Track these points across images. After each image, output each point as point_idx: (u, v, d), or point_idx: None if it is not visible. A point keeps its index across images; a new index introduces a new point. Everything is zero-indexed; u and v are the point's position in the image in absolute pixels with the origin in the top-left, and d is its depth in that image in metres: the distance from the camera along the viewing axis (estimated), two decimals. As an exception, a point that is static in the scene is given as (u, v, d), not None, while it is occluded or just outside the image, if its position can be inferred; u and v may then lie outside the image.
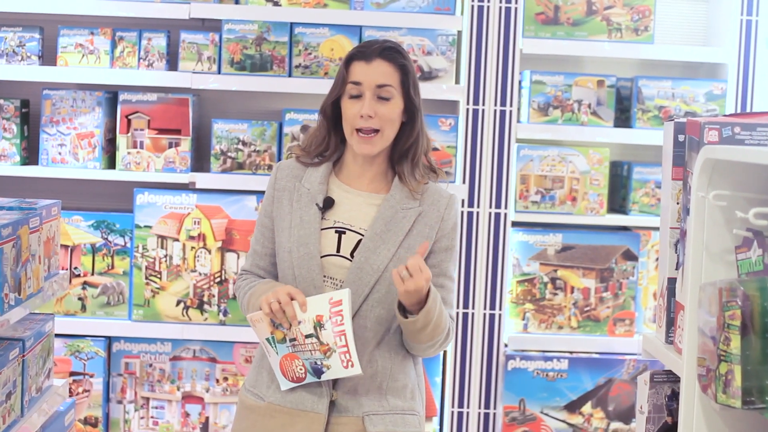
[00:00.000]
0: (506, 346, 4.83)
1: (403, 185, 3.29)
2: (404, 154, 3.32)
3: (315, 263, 3.21)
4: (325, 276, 3.22)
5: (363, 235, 3.25)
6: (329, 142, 3.36)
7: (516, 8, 4.70)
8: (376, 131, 3.23)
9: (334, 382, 3.17)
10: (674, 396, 2.76)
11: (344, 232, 3.26)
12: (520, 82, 4.81)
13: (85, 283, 4.75)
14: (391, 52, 3.27)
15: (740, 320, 2.21)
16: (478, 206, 4.75)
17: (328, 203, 3.28)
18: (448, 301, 3.30)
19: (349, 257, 3.24)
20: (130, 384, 4.78)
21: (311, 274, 3.20)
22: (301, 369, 3.13)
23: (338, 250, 3.25)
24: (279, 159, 4.76)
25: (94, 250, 4.76)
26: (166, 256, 4.72)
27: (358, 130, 3.23)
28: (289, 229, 3.28)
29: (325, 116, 3.35)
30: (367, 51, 3.27)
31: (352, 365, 3.06)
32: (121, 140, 4.75)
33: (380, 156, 3.31)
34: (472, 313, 4.77)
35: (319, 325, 3.06)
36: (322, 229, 3.26)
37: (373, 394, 3.22)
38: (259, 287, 3.26)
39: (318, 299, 3.09)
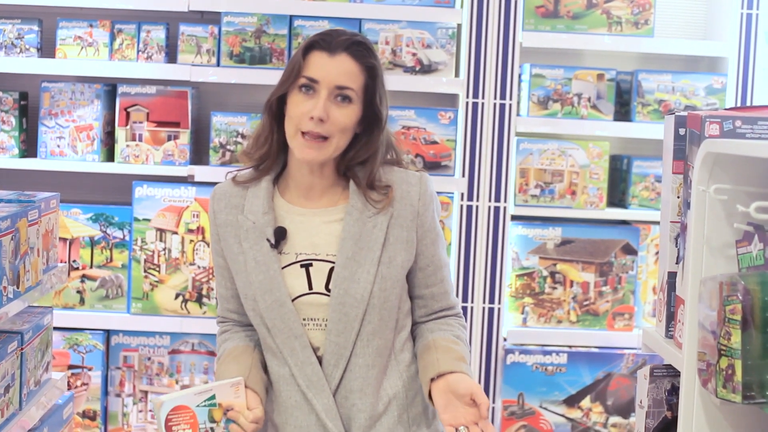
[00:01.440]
0: (505, 340, 4.83)
1: (361, 190, 2.82)
2: (356, 165, 2.86)
3: (287, 310, 2.76)
4: (304, 319, 2.78)
5: (333, 262, 2.78)
6: (272, 145, 2.85)
7: (516, 1, 4.69)
8: (325, 138, 2.74)
9: (346, 429, 2.80)
10: (674, 390, 2.75)
11: (311, 264, 2.79)
12: (519, 76, 4.80)
13: (83, 276, 4.75)
14: (360, 48, 2.79)
15: (741, 315, 2.20)
16: (478, 200, 4.74)
17: (279, 235, 2.80)
18: (450, 290, 2.94)
19: (326, 291, 2.78)
20: (129, 377, 4.78)
21: (287, 323, 2.77)
22: None
23: (310, 287, 2.79)
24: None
25: (92, 243, 4.75)
26: (164, 249, 4.71)
27: (304, 133, 2.73)
28: (245, 273, 2.81)
29: (270, 113, 2.84)
30: (331, 41, 2.78)
31: (237, 387, 2.72)
32: (120, 133, 4.74)
33: (329, 164, 2.84)
34: (471, 307, 4.76)
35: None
36: (283, 267, 2.80)
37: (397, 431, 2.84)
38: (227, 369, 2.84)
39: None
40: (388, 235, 2.80)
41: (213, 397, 2.68)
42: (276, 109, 2.83)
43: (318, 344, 2.79)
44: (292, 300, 2.78)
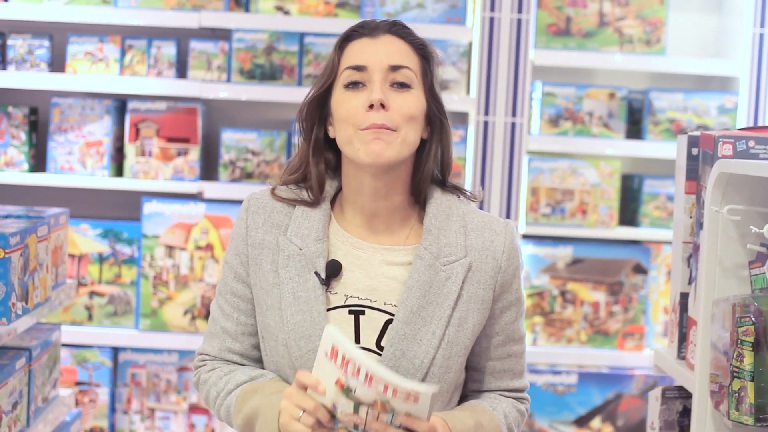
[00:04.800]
0: (515, 359, 4.80)
1: (441, 226, 2.31)
2: (427, 180, 2.36)
3: None
4: None
5: (391, 314, 2.28)
6: (306, 171, 2.38)
7: (527, 19, 4.68)
8: (392, 130, 2.24)
9: None
10: (686, 412, 2.73)
11: (362, 312, 2.28)
12: (531, 94, 4.79)
13: (92, 292, 4.74)
14: (405, 28, 2.37)
15: (753, 336, 2.19)
16: (488, 218, 4.72)
17: (332, 270, 2.29)
18: (520, 371, 2.44)
19: (377, 349, 2.27)
20: (136, 394, 4.76)
21: None
22: None
23: (358, 340, 2.27)
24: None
25: (101, 259, 4.75)
26: (173, 265, 4.70)
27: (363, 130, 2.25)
28: (279, 310, 2.27)
29: (306, 127, 2.40)
30: (369, 27, 2.36)
31: (416, 398, 2.05)
32: (130, 148, 4.74)
33: (397, 182, 2.32)
34: (481, 326, 4.74)
35: (347, 391, 2.08)
36: (329, 310, 2.28)
37: None
38: (245, 401, 2.27)
39: (319, 368, 2.11)
40: (462, 290, 2.30)
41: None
42: (314, 129, 2.39)
43: None
44: None
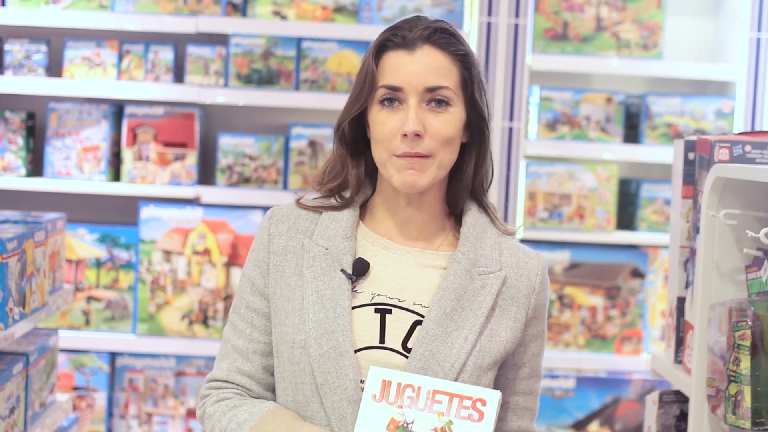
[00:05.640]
0: (512, 363, 4.80)
1: (477, 237, 2.25)
2: (466, 189, 2.30)
3: (346, 363, 2.12)
4: (363, 381, 2.11)
5: (420, 315, 2.18)
6: (346, 178, 2.28)
7: (525, 24, 4.68)
8: (425, 156, 2.17)
9: None
10: (683, 416, 2.73)
11: (389, 311, 2.18)
12: (528, 98, 4.79)
13: (89, 297, 4.73)
14: (445, 36, 2.21)
15: (750, 340, 2.19)
16: (485, 222, 4.71)
17: (360, 268, 2.21)
18: (535, 411, 2.34)
19: (403, 350, 2.16)
20: (134, 399, 4.76)
21: (342, 382, 2.11)
22: None
23: (382, 340, 2.16)
24: (285, 173, 4.72)
25: (98, 264, 4.74)
26: (171, 270, 4.70)
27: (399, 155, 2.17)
28: (300, 312, 2.17)
29: (342, 140, 2.28)
30: (407, 35, 2.21)
31: (481, 413, 2.03)
32: (127, 153, 4.74)
33: (433, 192, 2.27)
34: (479, 330, 4.73)
35: (402, 430, 2.03)
36: (354, 308, 2.19)
37: None
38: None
39: (364, 420, 2.05)
40: (496, 302, 2.22)
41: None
42: (351, 133, 2.28)
43: None
44: (356, 351, 2.15)
